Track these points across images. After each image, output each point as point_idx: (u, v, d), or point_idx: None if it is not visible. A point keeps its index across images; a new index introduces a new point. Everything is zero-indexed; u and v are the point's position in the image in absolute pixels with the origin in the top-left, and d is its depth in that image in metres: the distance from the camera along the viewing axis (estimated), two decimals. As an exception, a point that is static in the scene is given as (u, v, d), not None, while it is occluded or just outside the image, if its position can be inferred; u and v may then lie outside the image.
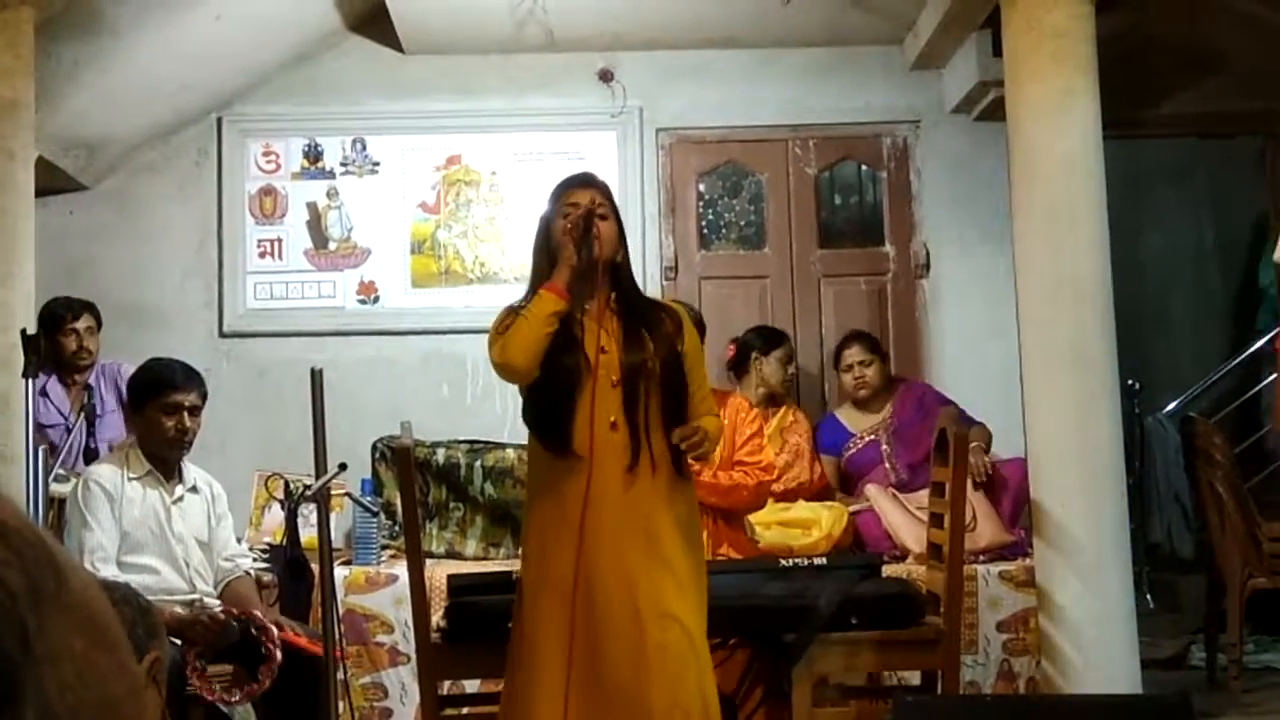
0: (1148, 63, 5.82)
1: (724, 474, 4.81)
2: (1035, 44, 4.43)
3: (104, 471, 3.94)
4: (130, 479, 3.93)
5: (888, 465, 5.39)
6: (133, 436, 4.08)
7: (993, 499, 5.09)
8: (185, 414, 3.96)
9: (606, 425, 3.16)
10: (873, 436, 5.42)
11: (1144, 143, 7.20)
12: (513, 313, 3.26)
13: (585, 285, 3.24)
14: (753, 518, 4.97)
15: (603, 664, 3.11)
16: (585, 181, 3.42)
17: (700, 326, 5.27)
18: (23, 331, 3.96)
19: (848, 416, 5.60)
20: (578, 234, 3.21)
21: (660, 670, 3.09)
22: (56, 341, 5.27)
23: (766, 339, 5.57)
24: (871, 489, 5.30)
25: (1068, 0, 4.40)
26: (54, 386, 5.31)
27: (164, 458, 4.00)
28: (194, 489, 4.07)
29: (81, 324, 5.33)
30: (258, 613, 3.80)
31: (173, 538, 3.95)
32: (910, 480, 5.26)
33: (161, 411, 3.93)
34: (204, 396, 4.06)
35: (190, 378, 4.02)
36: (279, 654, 3.66)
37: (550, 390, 3.21)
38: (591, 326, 3.23)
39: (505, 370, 3.25)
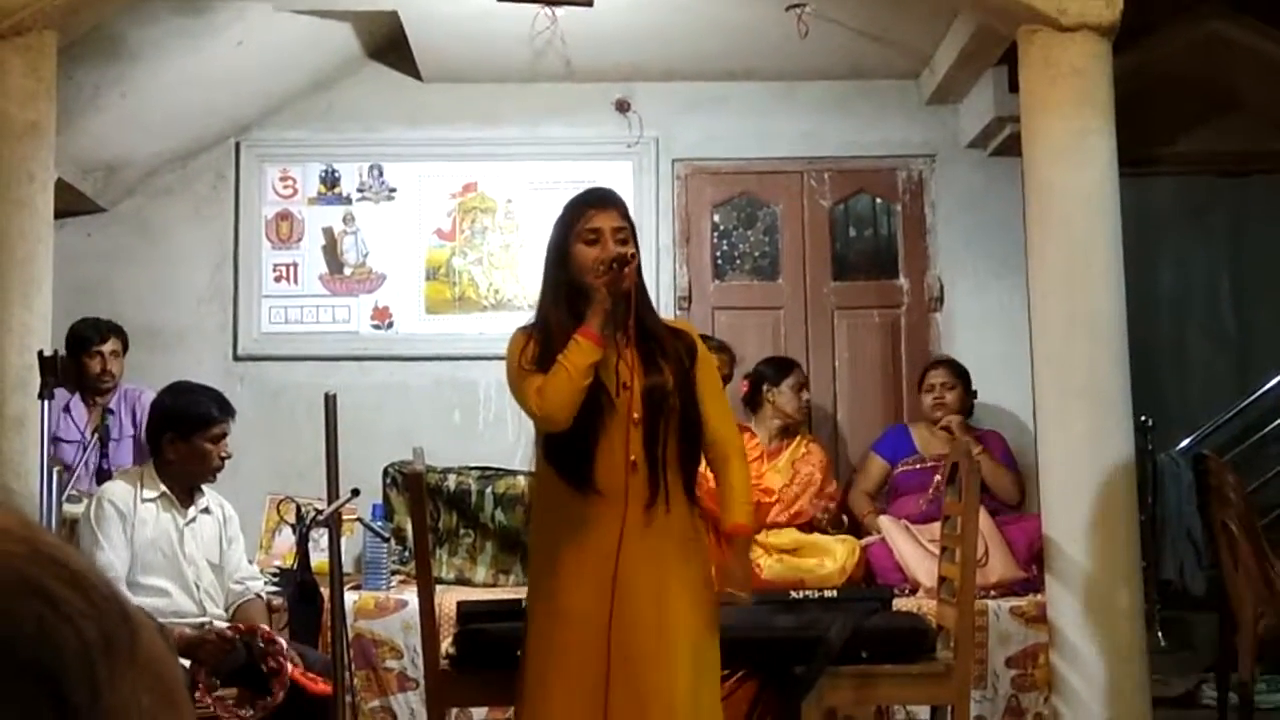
0: (1164, 101, 5.83)
1: None
2: (1052, 81, 4.44)
3: (117, 490, 3.96)
4: (144, 500, 3.95)
5: (925, 495, 5.39)
6: (148, 460, 4.09)
7: (1006, 536, 5.08)
8: (225, 441, 4.03)
9: (625, 464, 3.11)
10: (934, 464, 5.42)
11: (1159, 180, 7.20)
12: (526, 335, 3.20)
13: (611, 324, 3.16)
14: (769, 539, 4.98)
15: (637, 696, 3.09)
16: (604, 200, 3.27)
17: (729, 354, 5.30)
18: (40, 353, 3.97)
19: (919, 435, 5.65)
20: (610, 278, 3.10)
21: (677, 702, 3.08)
22: (81, 362, 5.32)
23: (777, 368, 5.59)
24: (884, 521, 5.30)
25: (1084, 38, 4.41)
26: (76, 405, 5.37)
27: (197, 483, 4.04)
28: (206, 510, 4.08)
29: (108, 347, 5.39)
30: (264, 626, 3.81)
31: (184, 560, 3.95)
32: (933, 514, 5.27)
33: (210, 442, 3.98)
34: (234, 419, 4.13)
35: (226, 406, 4.08)
36: (289, 666, 3.66)
37: (575, 427, 3.12)
38: (612, 361, 3.15)
39: (545, 422, 3.14)
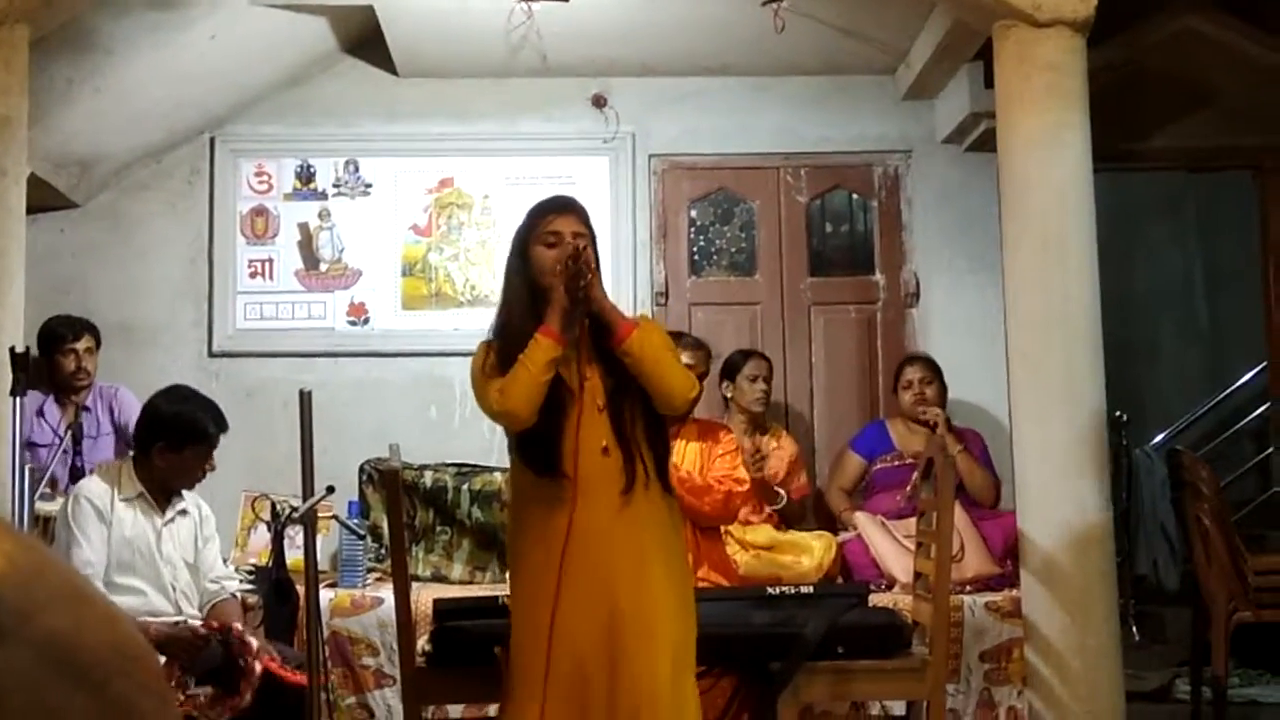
0: (1139, 96, 5.85)
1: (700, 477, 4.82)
2: (1027, 76, 4.45)
3: (95, 488, 3.93)
4: (121, 499, 3.92)
5: (903, 492, 5.39)
6: (128, 455, 4.07)
7: (982, 531, 5.10)
8: (213, 455, 4.02)
9: (597, 451, 3.15)
10: (911, 461, 5.42)
11: (1134, 175, 7.23)
12: (489, 348, 3.25)
13: (569, 317, 3.21)
14: (746, 536, 4.98)
15: (587, 690, 3.10)
16: (564, 206, 3.35)
17: (705, 351, 5.30)
18: (11, 349, 3.95)
19: (897, 431, 5.65)
20: (569, 276, 3.15)
21: (645, 696, 3.08)
22: (55, 361, 5.29)
23: (731, 362, 5.59)
24: (860, 517, 5.31)
25: (1059, 34, 4.42)
26: (50, 406, 5.33)
27: (177, 490, 4.02)
28: (184, 512, 4.06)
29: (81, 345, 5.36)
30: (237, 625, 3.79)
31: (161, 560, 3.94)
32: (912, 511, 5.29)
33: (197, 457, 3.97)
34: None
35: (222, 423, 4.04)
36: (258, 666, 3.64)
37: (541, 420, 3.17)
38: (573, 354, 3.21)
39: (507, 419, 3.19)
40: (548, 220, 3.28)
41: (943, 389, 5.65)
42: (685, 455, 4.84)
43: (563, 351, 3.15)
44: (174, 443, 3.93)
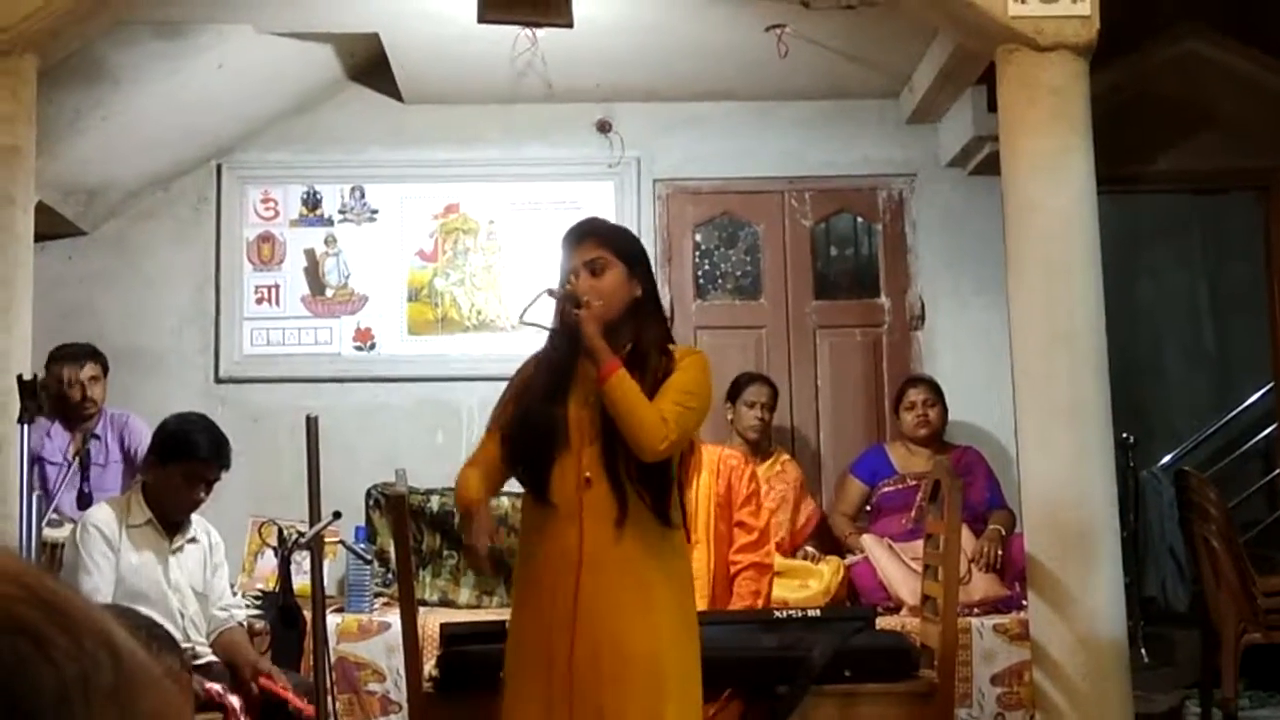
0: (1142, 119, 5.86)
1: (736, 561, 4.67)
2: (1030, 100, 4.46)
3: (103, 516, 3.93)
4: (130, 526, 3.92)
5: (908, 515, 5.38)
6: (137, 482, 4.06)
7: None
8: (204, 487, 3.94)
9: (582, 482, 3.11)
10: (915, 483, 5.41)
11: (1139, 198, 7.24)
12: (536, 364, 3.26)
13: (576, 345, 3.17)
14: None
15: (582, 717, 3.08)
16: (578, 236, 3.25)
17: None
18: (19, 377, 3.95)
19: (897, 454, 5.64)
20: (559, 325, 3.16)
21: None
22: (62, 393, 5.23)
23: (735, 384, 5.59)
24: (867, 539, 5.30)
25: (1062, 57, 4.43)
26: (57, 431, 5.29)
27: (166, 514, 3.99)
28: (193, 539, 4.05)
29: (85, 373, 5.29)
30: (214, 687, 3.70)
31: (169, 588, 3.93)
32: (918, 533, 5.28)
33: (183, 477, 3.90)
34: (225, 470, 4.01)
35: (219, 453, 3.96)
36: (280, 689, 3.63)
37: (527, 445, 3.16)
38: (584, 381, 3.16)
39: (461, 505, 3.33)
40: (564, 257, 3.21)
41: (944, 412, 5.65)
42: (696, 490, 4.69)
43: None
44: (162, 456, 3.92)
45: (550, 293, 3.15)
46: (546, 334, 3.24)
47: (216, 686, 3.63)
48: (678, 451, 3.19)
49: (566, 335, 3.14)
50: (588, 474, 3.11)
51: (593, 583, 3.09)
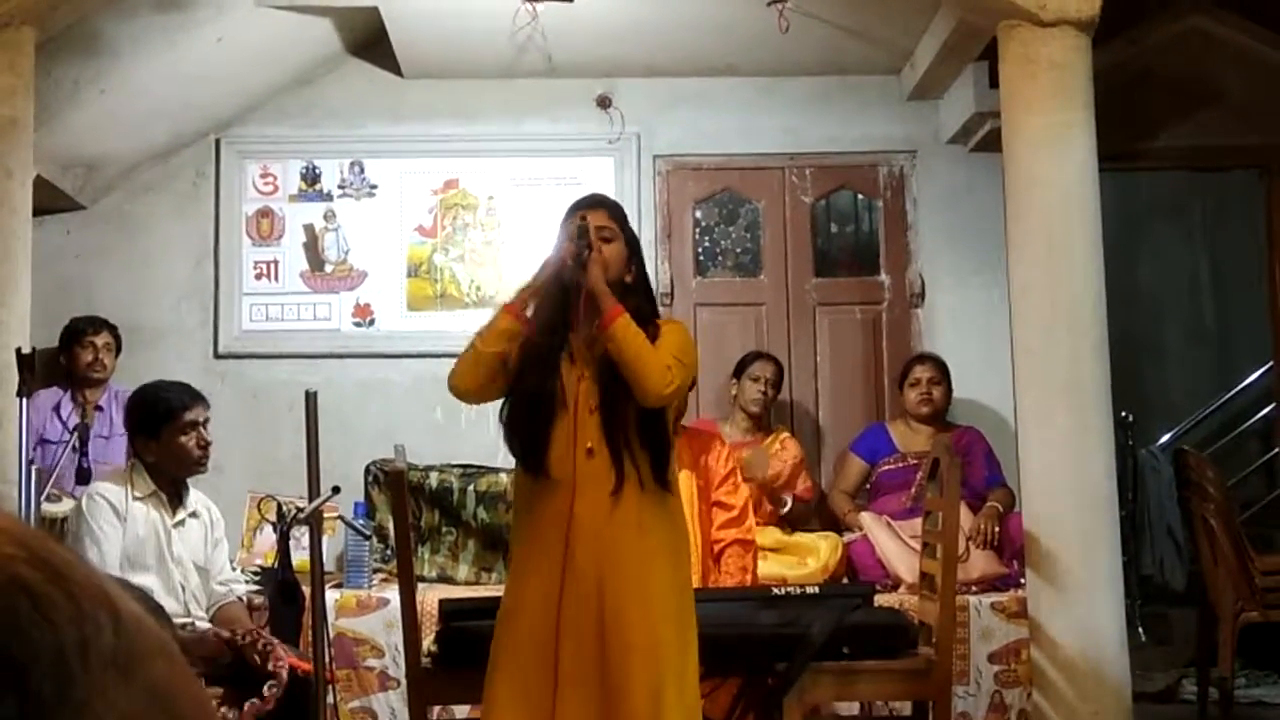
0: (1144, 96, 5.85)
1: (719, 539, 4.69)
2: (1032, 76, 4.45)
3: (108, 488, 3.94)
4: (135, 498, 3.93)
5: (908, 493, 5.39)
6: (135, 460, 4.06)
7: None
8: (202, 429, 3.97)
9: (584, 452, 3.14)
10: (915, 461, 5.41)
11: (1140, 175, 7.23)
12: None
13: (576, 309, 3.22)
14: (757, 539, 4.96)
15: (579, 691, 3.09)
16: (594, 203, 3.39)
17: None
18: (18, 350, 3.95)
19: (898, 432, 5.64)
20: (569, 254, 3.18)
21: (638, 698, 3.06)
22: (73, 353, 5.43)
23: (742, 361, 5.65)
24: (866, 517, 5.31)
25: (1064, 33, 4.42)
26: (66, 404, 5.44)
27: (183, 478, 4.00)
28: (194, 514, 4.06)
29: (100, 339, 5.58)
30: (265, 632, 3.78)
31: (171, 561, 3.94)
32: (918, 511, 5.28)
33: (180, 433, 3.94)
34: (208, 408, 4.06)
35: (195, 394, 4.03)
36: (285, 674, 3.63)
37: (526, 415, 3.20)
38: (579, 352, 3.22)
39: (456, 393, 3.32)
40: (578, 216, 3.29)
41: (948, 391, 5.65)
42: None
43: (517, 327, 3.18)
44: (150, 430, 3.94)
45: (576, 236, 3.20)
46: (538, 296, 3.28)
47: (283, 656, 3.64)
48: (674, 403, 3.30)
49: (568, 275, 3.17)
50: (589, 444, 3.13)
51: (588, 552, 3.10)
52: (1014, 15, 4.44)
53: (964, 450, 5.35)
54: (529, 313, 3.25)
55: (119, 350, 5.68)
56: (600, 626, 3.09)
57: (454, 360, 3.34)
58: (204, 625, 3.93)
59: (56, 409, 5.44)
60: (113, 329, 5.66)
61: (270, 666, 3.62)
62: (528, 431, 3.19)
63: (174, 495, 4.00)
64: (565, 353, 3.22)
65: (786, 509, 5.39)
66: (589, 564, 3.11)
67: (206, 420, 4.02)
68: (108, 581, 0.64)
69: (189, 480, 4.06)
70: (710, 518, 4.62)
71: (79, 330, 5.58)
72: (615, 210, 3.39)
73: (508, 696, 3.11)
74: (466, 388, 3.25)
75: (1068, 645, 4.33)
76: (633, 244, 3.36)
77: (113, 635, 0.61)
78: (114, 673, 0.60)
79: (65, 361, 5.58)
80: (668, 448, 3.26)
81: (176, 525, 3.98)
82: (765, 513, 5.36)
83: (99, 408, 5.48)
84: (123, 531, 3.87)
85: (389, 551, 5.11)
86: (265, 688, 3.59)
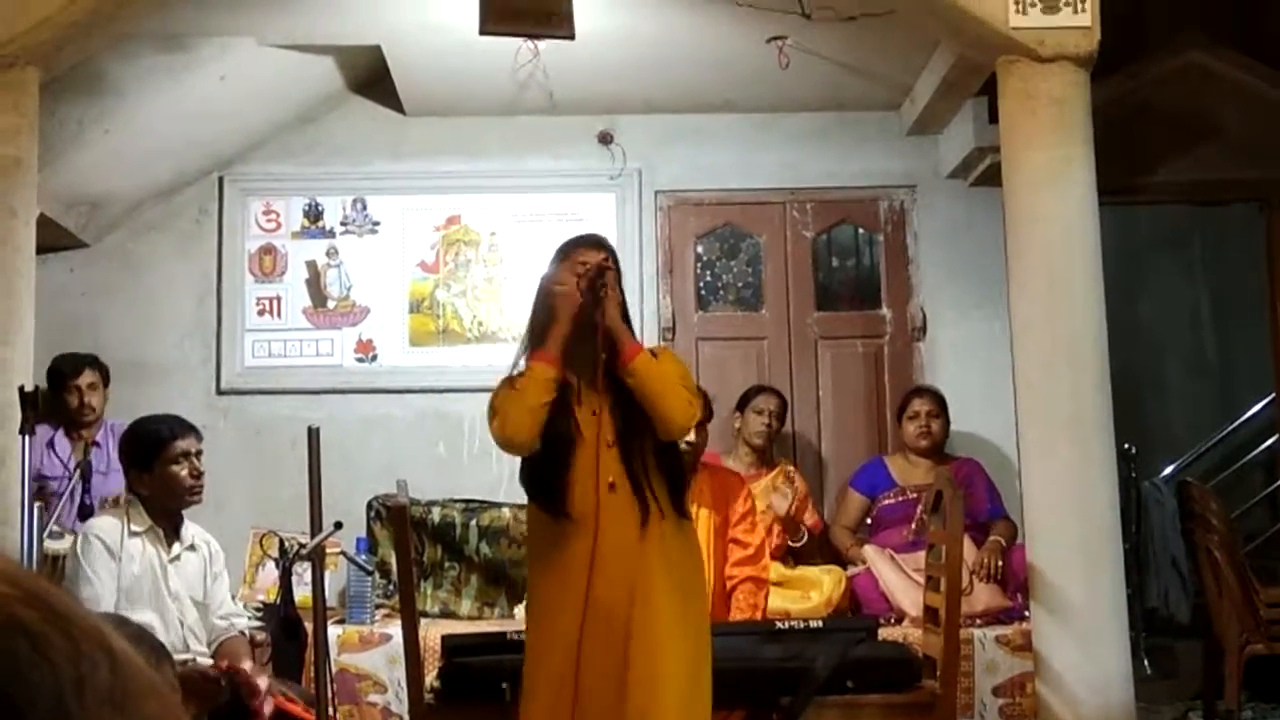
0: (1143, 131, 5.86)
1: (733, 576, 4.70)
2: (1031, 111, 4.47)
3: (104, 525, 3.93)
4: (131, 534, 3.92)
5: (909, 527, 5.38)
6: (131, 495, 4.06)
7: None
8: (194, 459, 3.96)
9: (605, 487, 3.16)
10: (915, 495, 5.41)
11: (1140, 209, 7.24)
12: (509, 384, 3.27)
13: (585, 347, 3.24)
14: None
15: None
16: (593, 242, 3.43)
17: (703, 396, 5.28)
18: (20, 388, 3.96)
19: (897, 466, 5.64)
20: (585, 291, 3.20)
21: None
22: (61, 398, 5.33)
23: (744, 395, 5.67)
24: (869, 550, 5.30)
25: (1063, 68, 4.44)
26: (60, 440, 5.37)
27: (177, 510, 3.99)
28: (192, 547, 4.05)
29: (84, 380, 5.41)
30: (245, 666, 3.77)
31: (169, 596, 3.93)
32: (920, 544, 5.27)
33: (173, 464, 3.92)
34: (201, 440, 4.05)
35: (185, 425, 4.01)
36: (267, 708, 3.62)
37: (544, 455, 3.22)
38: (587, 390, 3.24)
39: (509, 447, 3.28)
40: (577, 254, 3.32)
41: (946, 424, 5.65)
42: (698, 521, 4.66)
43: (556, 374, 3.19)
44: (142, 462, 3.93)
45: (591, 275, 3.23)
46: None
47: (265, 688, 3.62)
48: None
49: (582, 322, 3.20)
50: (611, 479, 3.14)
51: (611, 589, 3.11)
52: (1013, 51, 4.47)
53: (964, 482, 5.34)
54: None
55: (107, 383, 5.54)
56: (624, 661, 3.10)
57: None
58: (205, 661, 3.92)
59: (51, 444, 5.39)
60: (95, 363, 5.49)
61: (251, 704, 3.60)
62: (550, 470, 3.20)
63: (170, 529, 3.99)
64: (573, 390, 3.23)
65: (803, 540, 5.41)
66: (614, 600, 3.12)
67: (199, 452, 4.00)
68: (103, 622, 0.64)
69: (186, 514, 4.06)
70: (726, 555, 4.63)
71: (60, 373, 5.41)
72: (612, 254, 3.41)
73: None
74: (523, 440, 3.21)
75: (1073, 678, 4.31)
76: (622, 286, 3.38)
77: (109, 674, 0.61)
78: (110, 710, 0.60)
79: (55, 402, 5.40)
80: (684, 475, 3.34)
81: (173, 560, 3.97)
82: (772, 546, 5.36)
83: (96, 444, 5.43)
84: (118, 569, 3.86)
85: (391, 587, 5.10)
86: None
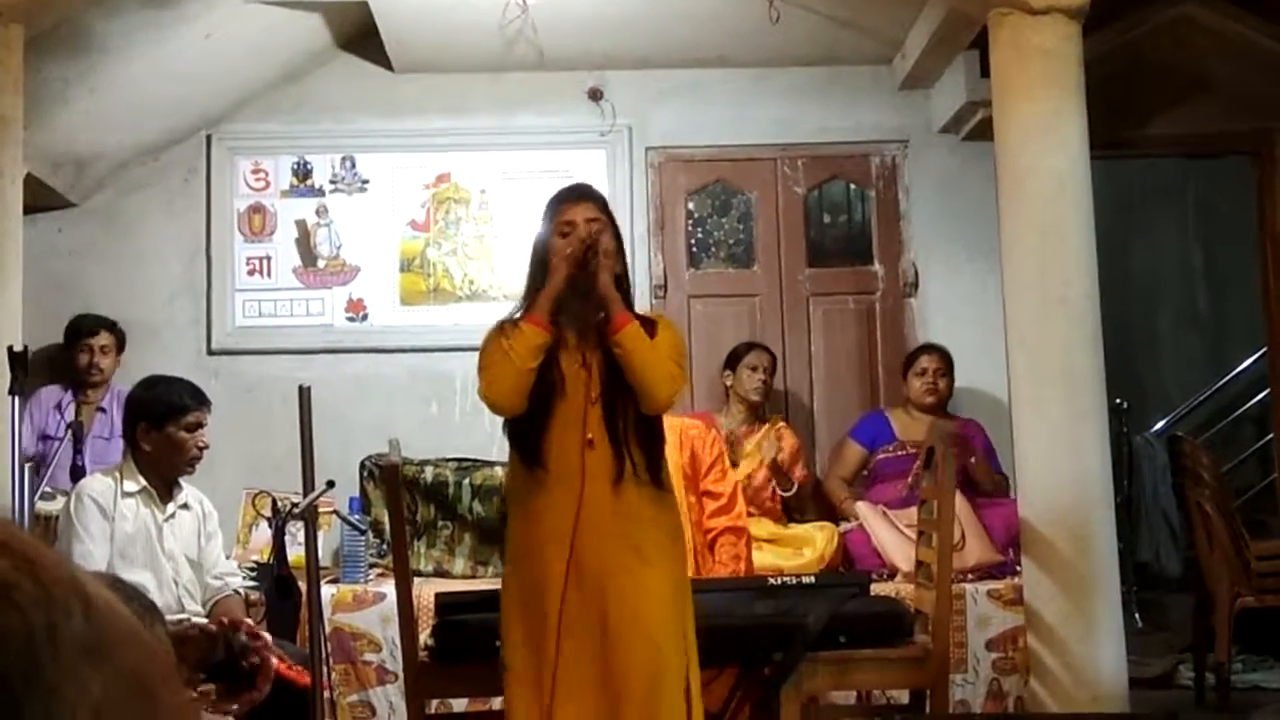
0: (1135, 83, 5.84)
1: (711, 528, 4.69)
2: (1023, 64, 4.45)
3: (97, 485, 3.93)
4: (124, 494, 3.92)
5: (905, 481, 5.39)
6: (127, 451, 4.06)
7: (983, 520, 5.10)
8: (201, 431, 3.98)
9: (585, 442, 3.16)
10: (914, 450, 5.42)
11: (1132, 162, 7.23)
12: (501, 330, 3.27)
13: (581, 304, 3.23)
14: (751, 531, 4.96)
15: (584, 679, 3.11)
16: (580, 195, 3.40)
17: None
18: (10, 348, 3.94)
19: (899, 421, 5.65)
20: (576, 262, 3.19)
21: (637, 690, 3.08)
22: (73, 355, 5.44)
23: (735, 352, 5.66)
24: (861, 506, 5.31)
25: (1055, 21, 4.41)
26: (68, 403, 5.44)
27: (172, 474, 3.99)
28: (185, 506, 4.05)
29: (98, 341, 5.58)
30: (248, 620, 3.77)
31: (163, 555, 3.93)
32: (914, 500, 5.28)
33: (185, 430, 3.94)
34: (210, 410, 4.08)
35: (204, 398, 4.05)
36: (275, 660, 3.62)
37: (531, 408, 3.21)
38: (577, 345, 3.24)
39: (495, 408, 3.29)
40: (562, 210, 3.30)
41: (952, 382, 5.66)
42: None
43: (548, 339, 3.18)
44: (154, 420, 3.93)
45: (580, 245, 3.21)
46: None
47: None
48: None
49: (575, 286, 3.19)
50: (590, 435, 3.15)
51: (589, 544, 3.12)
52: (1004, 3, 4.44)
53: (965, 443, 5.37)
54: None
55: (121, 349, 5.67)
56: (603, 623, 3.11)
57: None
58: (200, 620, 3.92)
59: (58, 406, 5.44)
60: (112, 327, 5.63)
61: (250, 661, 3.60)
62: (530, 421, 3.21)
63: (163, 489, 3.99)
64: (559, 350, 3.23)
65: (793, 490, 5.42)
66: (593, 556, 3.13)
67: (205, 423, 4.03)
68: (79, 569, 0.63)
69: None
70: (701, 507, 4.63)
71: (76, 331, 5.58)
72: (603, 205, 3.38)
73: (526, 683, 3.14)
74: (512, 405, 3.21)
75: (1064, 632, 4.33)
76: (618, 235, 3.36)
77: (83, 621, 0.60)
78: (85, 658, 0.59)
79: (66, 360, 5.60)
80: (660, 444, 3.31)
81: (168, 519, 3.97)
82: (763, 503, 5.37)
83: (101, 409, 5.48)
84: (111, 529, 3.86)
85: (385, 546, 5.11)
86: (258, 677, 3.57)
